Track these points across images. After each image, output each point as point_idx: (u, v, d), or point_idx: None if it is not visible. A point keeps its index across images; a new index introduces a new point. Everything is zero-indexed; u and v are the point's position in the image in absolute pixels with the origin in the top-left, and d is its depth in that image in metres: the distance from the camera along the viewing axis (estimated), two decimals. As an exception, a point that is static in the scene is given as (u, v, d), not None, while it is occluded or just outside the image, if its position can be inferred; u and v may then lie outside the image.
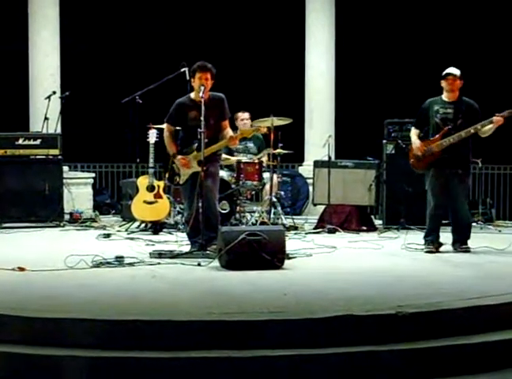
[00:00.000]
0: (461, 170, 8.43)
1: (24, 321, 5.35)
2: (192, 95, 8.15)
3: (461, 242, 8.50)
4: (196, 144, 7.92)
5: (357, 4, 13.78)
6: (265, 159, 10.29)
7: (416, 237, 9.23)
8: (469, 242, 8.61)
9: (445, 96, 8.55)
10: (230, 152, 10.29)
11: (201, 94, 7.85)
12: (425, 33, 13.84)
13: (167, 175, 8.34)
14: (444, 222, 8.74)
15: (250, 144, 10.51)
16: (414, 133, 8.71)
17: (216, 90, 8.14)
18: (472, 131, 8.30)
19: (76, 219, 10.85)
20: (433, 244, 8.52)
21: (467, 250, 8.44)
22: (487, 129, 8.33)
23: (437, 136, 8.44)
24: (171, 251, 8.00)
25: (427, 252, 8.46)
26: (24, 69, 12.23)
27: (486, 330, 5.65)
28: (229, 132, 8.10)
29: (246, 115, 10.37)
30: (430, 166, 8.48)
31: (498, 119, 8.24)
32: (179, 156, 8.06)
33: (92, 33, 13.92)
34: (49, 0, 12.04)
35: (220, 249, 7.35)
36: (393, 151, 10.51)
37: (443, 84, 8.50)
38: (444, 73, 8.49)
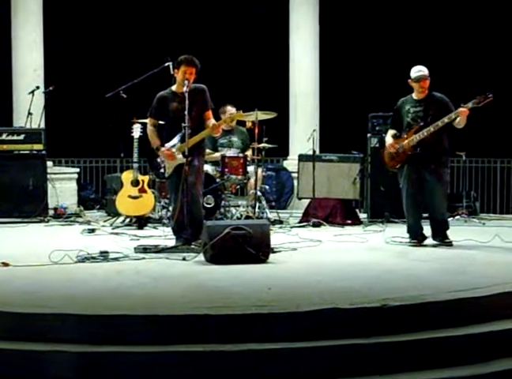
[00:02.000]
0: (434, 165, 8.40)
1: (9, 317, 5.33)
2: (173, 87, 8.15)
3: (441, 236, 8.51)
4: (179, 136, 7.93)
5: (340, 0, 13.80)
6: (249, 153, 10.30)
7: (401, 230, 9.27)
8: (453, 234, 8.63)
9: (415, 95, 8.54)
10: (214, 148, 10.29)
11: (185, 88, 7.84)
12: (408, 27, 13.87)
13: (152, 169, 8.36)
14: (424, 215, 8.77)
15: (234, 138, 10.51)
16: (389, 133, 8.72)
17: (202, 84, 8.12)
18: (440, 124, 8.26)
19: (60, 215, 10.83)
20: (416, 237, 8.55)
21: (449, 244, 8.45)
22: (457, 121, 8.27)
23: (408, 133, 8.44)
24: (155, 246, 8.00)
25: (411, 246, 8.48)
26: (7, 63, 12.18)
27: (470, 322, 5.67)
28: (212, 122, 8.08)
29: (231, 108, 10.35)
30: (403, 163, 8.49)
31: (463, 110, 8.19)
32: (163, 148, 8.05)
33: (75, 28, 13.87)
34: (32, -6, 12.02)
35: (204, 243, 7.35)
36: (378, 145, 10.54)
37: (414, 85, 8.47)
38: (415, 75, 8.42)
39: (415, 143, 8.38)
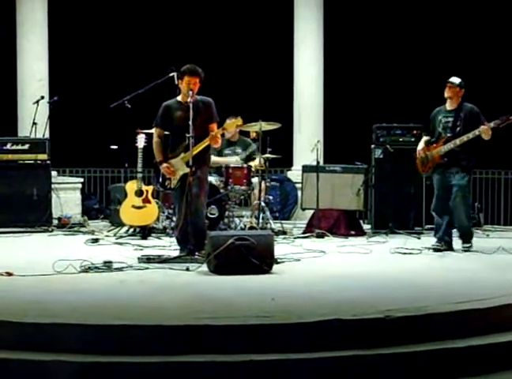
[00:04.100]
0: (459, 172, 8.75)
1: (12, 326, 5.33)
2: (179, 97, 8.17)
3: (462, 241, 8.88)
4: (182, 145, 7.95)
5: (345, 10, 13.81)
6: (255, 162, 10.26)
7: (405, 241, 9.30)
8: (457, 246, 8.89)
9: (447, 104, 8.93)
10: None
11: (189, 99, 7.86)
12: (412, 39, 13.88)
13: (159, 180, 8.35)
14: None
15: (239, 150, 10.52)
16: (423, 139, 9.18)
17: (206, 95, 8.14)
18: (465, 139, 8.64)
19: (64, 224, 10.83)
20: (440, 242, 8.82)
21: (467, 250, 8.74)
22: (483, 136, 8.61)
23: (438, 142, 8.84)
24: (159, 256, 8.00)
25: (434, 250, 8.74)
26: (12, 73, 12.21)
27: (473, 334, 5.66)
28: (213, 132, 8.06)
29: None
30: (433, 170, 8.94)
31: (484, 129, 8.55)
32: (164, 164, 8.07)
33: (80, 38, 13.90)
34: (37, 4, 12.05)
35: (208, 253, 7.35)
36: (382, 156, 10.55)
37: (447, 87, 8.86)
38: (451, 79, 8.84)
39: (442, 153, 8.79)
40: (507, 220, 12.85)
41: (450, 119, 8.82)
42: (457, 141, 8.66)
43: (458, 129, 8.74)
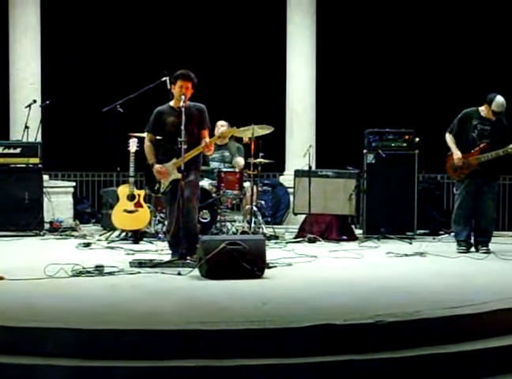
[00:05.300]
0: (491, 180, 9.07)
1: (3, 331, 5.31)
2: (171, 102, 8.18)
3: (482, 244, 9.05)
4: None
5: (338, 15, 13.84)
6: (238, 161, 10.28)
7: (396, 246, 9.31)
8: (449, 250, 9.03)
9: (483, 112, 9.00)
10: (205, 162, 10.19)
11: (181, 103, 7.87)
12: (404, 44, 13.93)
13: (148, 184, 8.36)
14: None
15: (227, 153, 10.52)
16: (451, 140, 9.12)
17: (198, 99, 8.15)
18: (510, 151, 8.84)
19: (56, 228, 10.82)
20: (464, 244, 9.04)
21: (487, 252, 8.95)
22: None
23: (476, 150, 8.98)
24: (151, 260, 7.99)
25: (459, 252, 8.96)
26: (4, 77, 12.20)
27: (465, 339, 5.67)
28: (206, 140, 8.06)
29: (223, 123, 10.36)
30: (466, 176, 9.05)
31: None
32: (157, 166, 8.07)
33: (73, 42, 13.90)
34: (30, 8, 12.04)
35: (200, 258, 7.34)
36: (374, 161, 10.56)
37: (489, 111, 8.89)
38: (497, 109, 8.84)
39: (481, 162, 8.93)
40: (498, 226, 12.87)
41: (487, 127, 8.96)
42: (501, 152, 8.85)
43: (496, 138, 8.94)
